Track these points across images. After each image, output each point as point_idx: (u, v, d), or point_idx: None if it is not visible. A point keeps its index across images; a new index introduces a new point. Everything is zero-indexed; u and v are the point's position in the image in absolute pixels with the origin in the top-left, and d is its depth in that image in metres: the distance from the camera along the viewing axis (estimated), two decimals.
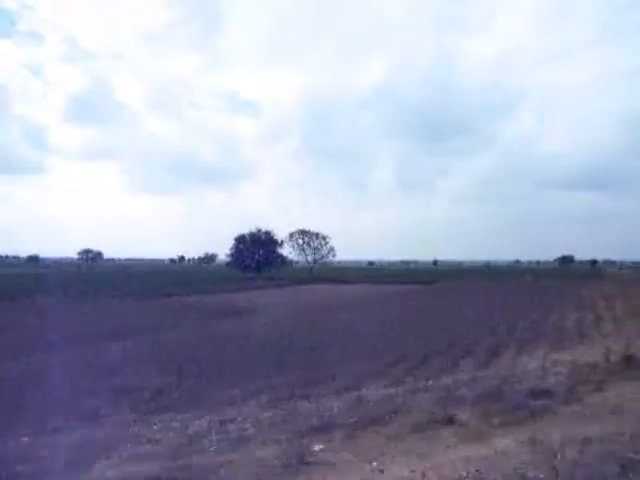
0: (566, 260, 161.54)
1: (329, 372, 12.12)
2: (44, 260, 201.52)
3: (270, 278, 70.63)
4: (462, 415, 6.03)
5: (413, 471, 4.31)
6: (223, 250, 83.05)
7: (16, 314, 27.05)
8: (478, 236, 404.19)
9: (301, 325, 23.79)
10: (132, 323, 24.08)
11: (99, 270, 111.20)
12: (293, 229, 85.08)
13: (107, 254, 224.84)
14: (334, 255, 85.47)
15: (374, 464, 4.58)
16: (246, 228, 79.54)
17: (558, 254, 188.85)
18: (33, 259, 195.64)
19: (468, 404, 6.69)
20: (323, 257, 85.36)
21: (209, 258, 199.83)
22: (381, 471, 4.43)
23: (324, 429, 5.81)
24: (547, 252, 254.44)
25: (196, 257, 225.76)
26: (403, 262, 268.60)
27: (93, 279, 56.90)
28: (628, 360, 12.07)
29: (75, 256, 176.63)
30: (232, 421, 6.90)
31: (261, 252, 76.88)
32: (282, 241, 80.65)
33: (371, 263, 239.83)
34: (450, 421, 5.76)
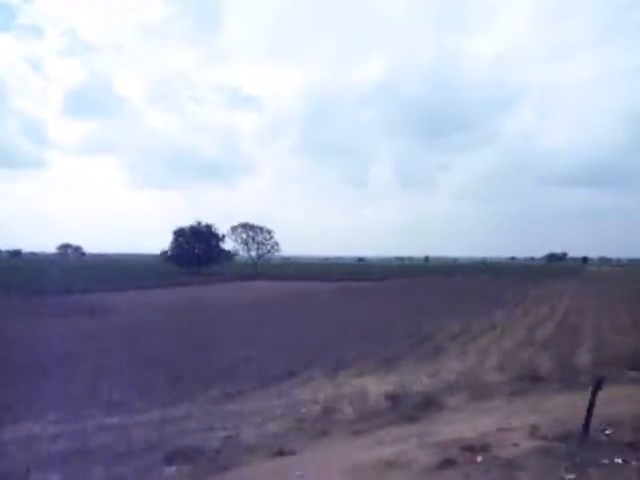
0: (554, 257, 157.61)
1: None
2: (38, 255, 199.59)
3: (209, 274, 66.86)
4: None
5: None
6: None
7: None
8: (477, 233, 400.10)
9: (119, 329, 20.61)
10: None
11: (63, 265, 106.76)
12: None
13: (107, 249, 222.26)
14: (278, 250, 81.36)
15: None
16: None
17: (554, 251, 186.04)
18: (16, 254, 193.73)
19: None
20: (268, 252, 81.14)
21: None
22: None
23: None
24: (544, 249, 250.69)
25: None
26: (398, 258, 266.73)
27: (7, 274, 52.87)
28: (394, 400, 8.25)
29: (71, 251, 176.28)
30: None
31: (201, 246, 72.82)
32: (224, 235, 76.54)
33: (361, 259, 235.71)
34: None
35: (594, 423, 4.53)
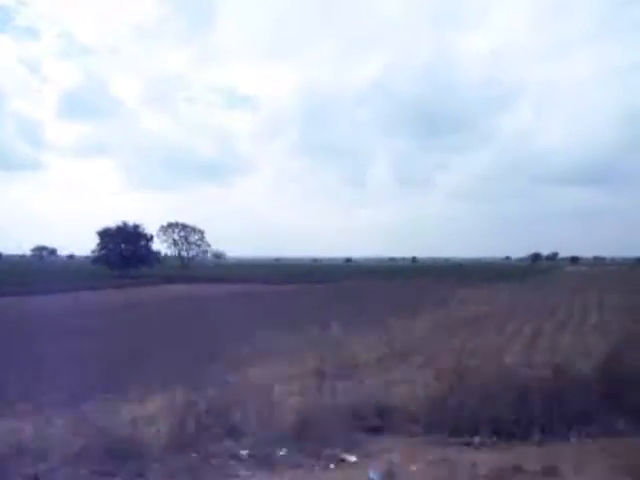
0: (537, 257, 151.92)
1: None
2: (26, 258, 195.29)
3: (135, 276, 61.25)
4: None
5: None
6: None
7: None
8: (473, 233, 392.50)
9: None
10: None
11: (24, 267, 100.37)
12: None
13: None
14: (207, 251, 75.47)
15: None
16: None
17: (548, 250, 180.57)
18: None
19: None
20: (199, 253, 75.39)
21: None
22: None
23: None
24: (540, 249, 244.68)
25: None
26: (391, 259, 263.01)
27: None
28: None
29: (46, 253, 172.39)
30: None
31: (128, 247, 67.20)
32: (152, 236, 71.02)
33: (348, 260, 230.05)
34: None
35: None
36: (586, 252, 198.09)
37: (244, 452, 5.23)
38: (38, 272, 66.95)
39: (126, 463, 4.74)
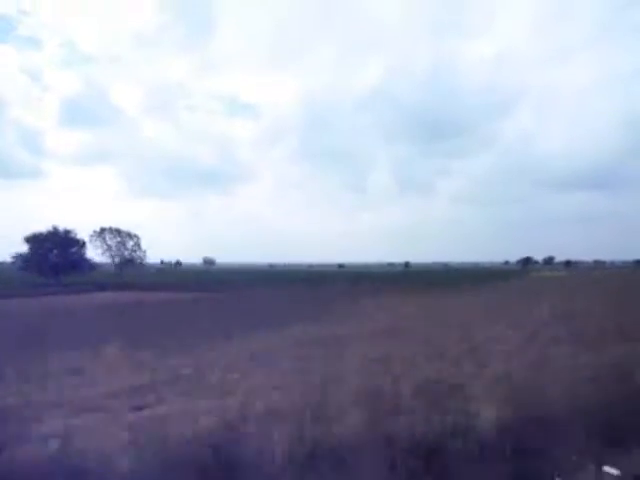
0: (528, 262, 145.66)
1: None
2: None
3: (65, 284, 56.74)
4: None
5: None
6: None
7: None
8: (474, 237, 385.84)
9: None
10: None
11: None
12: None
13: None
14: (144, 258, 69.59)
15: None
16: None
17: (545, 254, 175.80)
18: None
19: None
20: (133, 260, 69.50)
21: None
22: None
23: None
24: (539, 253, 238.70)
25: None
26: (389, 264, 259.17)
27: None
28: None
29: None
30: None
31: (58, 253, 61.98)
32: (84, 242, 65.47)
33: (341, 266, 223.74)
34: None
35: None
36: (587, 256, 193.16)
37: None
38: None
39: None
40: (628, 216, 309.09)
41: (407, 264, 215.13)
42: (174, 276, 79.34)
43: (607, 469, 4.22)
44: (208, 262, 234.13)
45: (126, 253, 68.42)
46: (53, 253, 63.27)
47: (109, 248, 68.22)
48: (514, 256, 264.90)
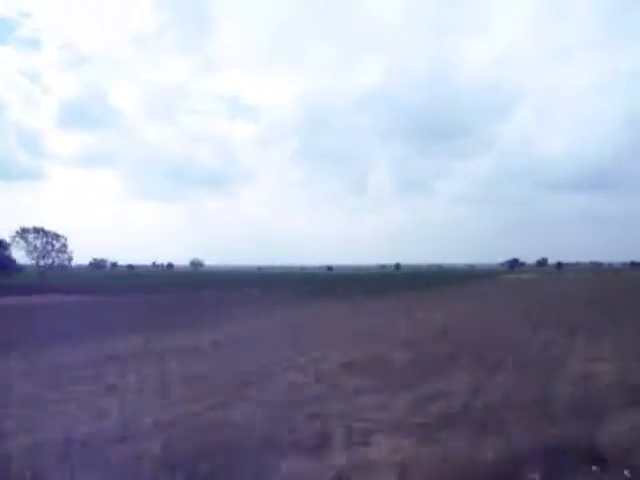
0: (515, 263, 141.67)
1: None
2: None
3: None
4: None
5: None
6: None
7: None
8: (473, 239, 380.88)
9: None
10: None
11: None
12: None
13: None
14: (70, 259, 64.71)
15: None
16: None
17: (545, 256, 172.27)
18: None
19: None
20: (58, 261, 64.68)
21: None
22: None
23: None
24: (538, 254, 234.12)
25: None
26: (382, 266, 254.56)
27: None
28: None
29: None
30: None
31: None
32: (8, 243, 60.70)
33: (329, 268, 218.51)
34: None
35: None
36: (587, 257, 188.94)
37: None
38: None
39: None
40: (628, 217, 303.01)
41: (397, 266, 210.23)
42: (110, 278, 74.02)
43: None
44: (196, 264, 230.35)
45: (53, 254, 63.53)
46: None
47: (34, 249, 63.32)
48: (513, 257, 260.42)
